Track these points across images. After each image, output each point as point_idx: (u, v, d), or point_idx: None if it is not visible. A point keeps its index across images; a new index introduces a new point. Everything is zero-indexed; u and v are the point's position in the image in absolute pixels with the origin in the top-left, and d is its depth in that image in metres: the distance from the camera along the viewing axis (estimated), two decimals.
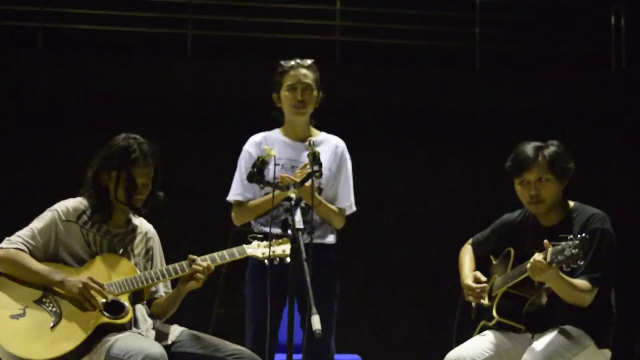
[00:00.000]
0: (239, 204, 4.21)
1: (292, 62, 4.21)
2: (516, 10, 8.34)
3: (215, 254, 3.71)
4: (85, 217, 3.69)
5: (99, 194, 3.69)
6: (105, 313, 3.52)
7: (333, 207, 4.19)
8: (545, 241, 3.59)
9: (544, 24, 8.40)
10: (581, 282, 3.69)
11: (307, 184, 3.76)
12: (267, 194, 4.12)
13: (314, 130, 4.29)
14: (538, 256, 3.57)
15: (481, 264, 4.09)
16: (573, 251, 3.46)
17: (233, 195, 4.23)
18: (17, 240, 3.62)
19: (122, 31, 7.76)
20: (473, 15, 8.15)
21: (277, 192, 3.72)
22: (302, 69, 4.19)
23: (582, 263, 3.50)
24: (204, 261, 3.67)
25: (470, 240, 4.19)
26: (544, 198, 3.81)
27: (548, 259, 3.52)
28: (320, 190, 4.15)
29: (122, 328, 3.53)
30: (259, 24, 7.99)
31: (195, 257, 3.68)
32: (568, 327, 3.72)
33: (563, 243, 3.50)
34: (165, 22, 7.84)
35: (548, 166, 3.78)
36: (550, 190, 3.80)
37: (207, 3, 8.00)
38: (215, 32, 7.87)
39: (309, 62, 4.22)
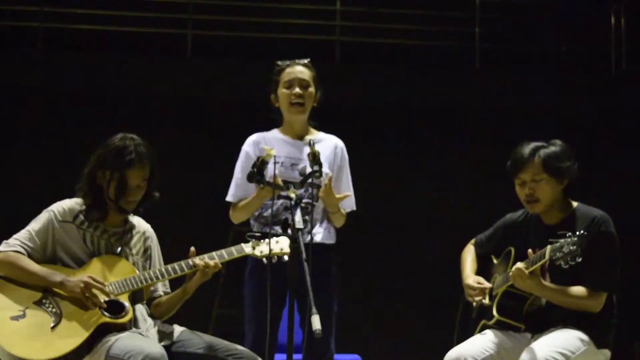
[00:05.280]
0: (233, 205, 4.23)
1: (288, 61, 4.23)
2: (516, 10, 8.34)
3: (213, 253, 3.71)
4: (81, 217, 3.69)
5: (94, 192, 3.69)
6: (106, 313, 3.52)
7: (342, 210, 4.21)
8: (529, 251, 3.68)
9: (544, 24, 8.41)
10: (577, 289, 3.71)
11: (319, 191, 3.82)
12: None
13: (312, 129, 4.29)
14: (519, 264, 3.66)
15: (483, 264, 4.10)
16: (571, 248, 3.49)
17: (228, 196, 4.25)
18: (15, 243, 3.61)
19: (122, 31, 7.76)
20: (473, 15, 8.15)
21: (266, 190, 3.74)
22: (299, 67, 4.21)
23: (580, 260, 3.52)
24: (203, 259, 3.67)
25: (472, 240, 4.20)
26: (538, 197, 3.82)
27: (535, 267, 3.62)
28: (318, 188, 4.15)
29: (122, 328, 3.53)
30: (259, 24, 7.99)
31: (194, 255, 3.69)
32: (567, 327, 3.73)
33: (562, 240, 3.54)
34: (165, 22, 7.84)
35: (542, 166, 3.80)
36: (545, 190, 3.81)
37: (207, 3, 8.01)
38: (215, 32, 7.87)
39: (305, 60, 4.24)
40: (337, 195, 4.05)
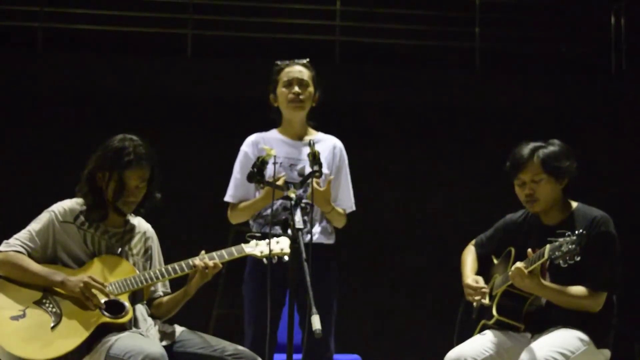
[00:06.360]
0: (232, 205, 4.22)
1: (288, 61, 4.24)
2: (516, 10, 8.34)
3: (214, 253, 3.72)
4: (82, 218, 3.69)
5: (94, 193, 3.69)
6: (106, 313, 3.52)
7: (340, 210, 4.20)
8: (529, 250, 3.70)
9: (544, 24, 8.41)
10: (577, 289, 3.71)
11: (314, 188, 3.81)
12: None
13: (311, 130, 4.29)
14: (519, 264, 3.68)
15: (483, 265, 4.10)
16: (570, 247, 3.50)
17: (226, 197, 4.25)
18: (16, 243, 3.61)
19: (122, 31, 7.76)
20: (473, 15, 8.15)
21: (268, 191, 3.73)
22: (297, 66, 4.23)
23: (578, 259, 3.52)
24: (203, 260, 3.67)
25: (473, 241, 4.20)
26: (538, 197, 3.83)
27: (533, 267, 3.64)
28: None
29: (122, 328, 3.54)
30: (259, 24, 7.99)
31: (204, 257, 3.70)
32: (567, 327, 3.73)
33: (561, 239, 3.55)
34: (165, 22, 7.84)
35: (541, 166, 3.81)
36: (545, 189, 3.82)
37: (207, 3, 8.01)
38: (215, 32, 7.88)
39: (304, 60, 4.25)
40: (320, 189, 3.99)
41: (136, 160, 3.66)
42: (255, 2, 8.03)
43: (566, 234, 3.56)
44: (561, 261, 3.55)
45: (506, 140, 4.19)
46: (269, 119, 4.32)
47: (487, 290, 3.94)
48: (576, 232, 3.53)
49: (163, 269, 3.69)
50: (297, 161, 4.16)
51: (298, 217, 3.41)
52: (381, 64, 8.03)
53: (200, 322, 5.56)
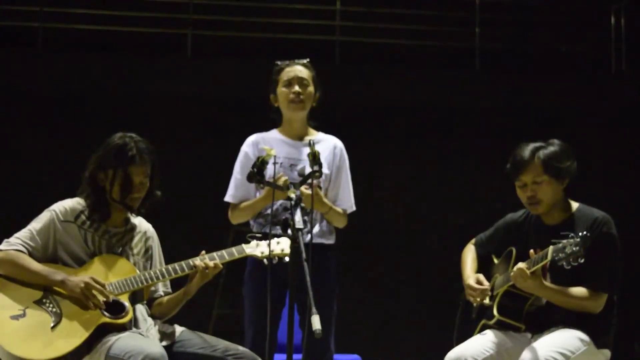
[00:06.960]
0: (233, 206, 4.22)
1: (288, 61, 4.24)
2: (516, 10, 8.35)
3: (214, 254, 3.71)
4: (83, 217, 3.69)
5: (96, 193, 3.69)
6: (106, 313, 3.52)
7: (339, 209, 4.20)
8: (531, 251, 3.69)
9: (544, 24, 8.41)
10: (578, 290, 3.71)
11: (306, 187, 3.79)
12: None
13: (311, 130, 4.29)
14: (521, 264, 3.67)
15: (483, 264, 4.10)
16: (574, 249, 3.49)
17: (226, 197, 4.25)
18: (16, 242, 3.61)
19: (122, 31, 7.77)
20: (473, 15, 8.16)
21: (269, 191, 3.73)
22: (298, 66, 4.23)
23: (582, 261, 3.52)
24: (203, 260, 3.68)
25: (473, 240, 4.19)
26: (540, 199, 3.82)
27: (535, 268, 3.63)
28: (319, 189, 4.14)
29: (122, 328, 3.53)
30: (259, 24, 8.00)
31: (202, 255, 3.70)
32: (567, 327, 3.73)
33: (564, 241, 3.54)
34: (165, 22, 7.85)
35: (543, 167, 3.79)
36: (547, 190, 3.81)
37: (207, 3, 8.01)
38: (215, 32, 7.88)
39: (304, 60, 4.26)
40: (306, 191, 3.91)
41: (139, 155, 3.67)
42: (255, 2, 8.04)
43: (569, 236, 3.55)
44: (564, 263, 3.54)
45: (506, 140, 4.19)
46: (269, 119, 4.32)
47: (489, 290, 3.93)
48: (580, 234, 3.52)
49: (163, 269, 3.69)
50: (297, 161, 4.16)
51: (298, 217, 3.41)
52: (381, 64, 8.03)
53: (200, 322, 5.57)
